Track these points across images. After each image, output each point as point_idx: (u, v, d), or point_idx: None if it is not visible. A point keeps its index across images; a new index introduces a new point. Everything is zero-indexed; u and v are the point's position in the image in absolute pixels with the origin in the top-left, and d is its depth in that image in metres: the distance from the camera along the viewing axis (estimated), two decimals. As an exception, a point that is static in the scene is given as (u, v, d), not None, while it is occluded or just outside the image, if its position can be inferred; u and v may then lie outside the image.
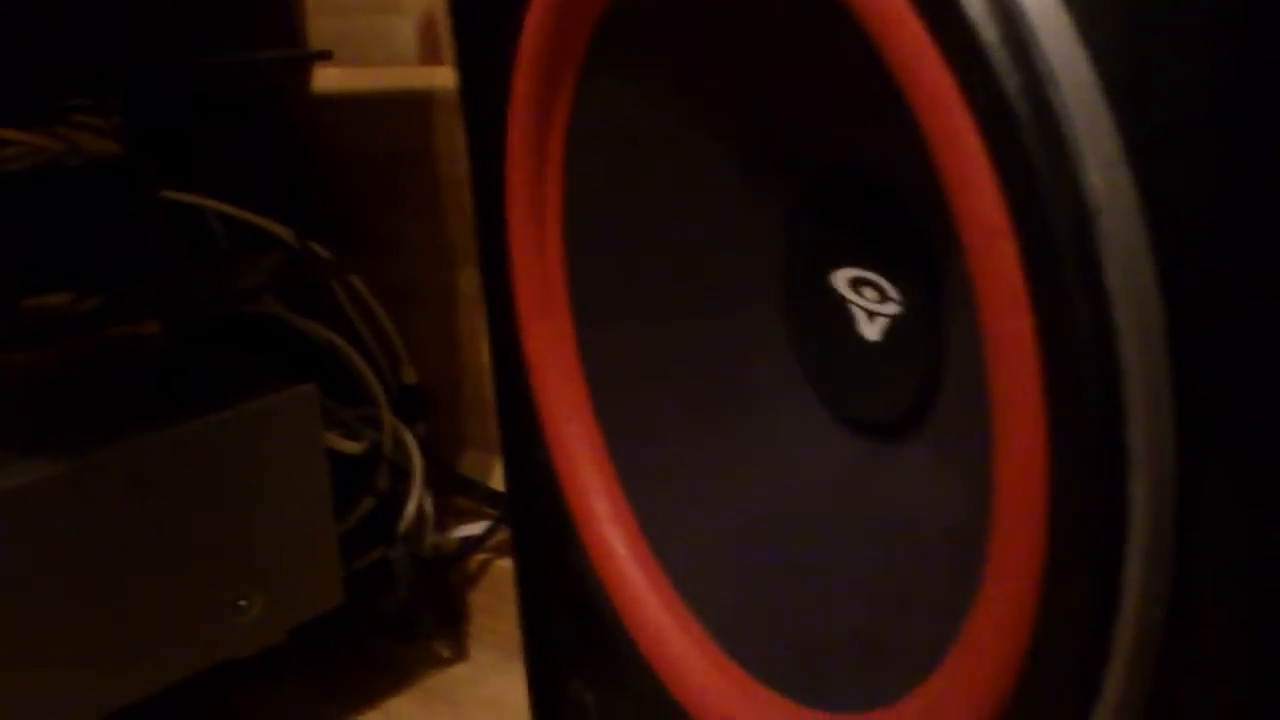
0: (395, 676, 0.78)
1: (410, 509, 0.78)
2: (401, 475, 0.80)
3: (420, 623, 0.81)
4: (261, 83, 0.79)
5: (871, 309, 0.36)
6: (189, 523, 0.64)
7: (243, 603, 0.67)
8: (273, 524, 0.68)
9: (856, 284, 0.36)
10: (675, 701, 0.40)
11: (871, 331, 0.36)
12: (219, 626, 0.66)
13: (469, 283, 0.79)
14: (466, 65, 0.45)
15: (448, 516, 0.83)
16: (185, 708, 0.68)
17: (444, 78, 0.75)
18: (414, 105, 0.77)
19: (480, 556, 0.82)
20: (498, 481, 0.81)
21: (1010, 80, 0.25)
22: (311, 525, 0.70)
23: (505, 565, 0.82)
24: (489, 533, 0.81)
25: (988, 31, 0.25)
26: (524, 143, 0.41)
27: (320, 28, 0.79)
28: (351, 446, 0.77)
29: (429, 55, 0.76)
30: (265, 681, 0.73)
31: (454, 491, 0.83)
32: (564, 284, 0.43)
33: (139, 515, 0.62)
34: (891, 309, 0.35)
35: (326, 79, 0.80)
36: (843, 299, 0.37)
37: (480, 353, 0.79)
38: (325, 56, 0.70)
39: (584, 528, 0.43)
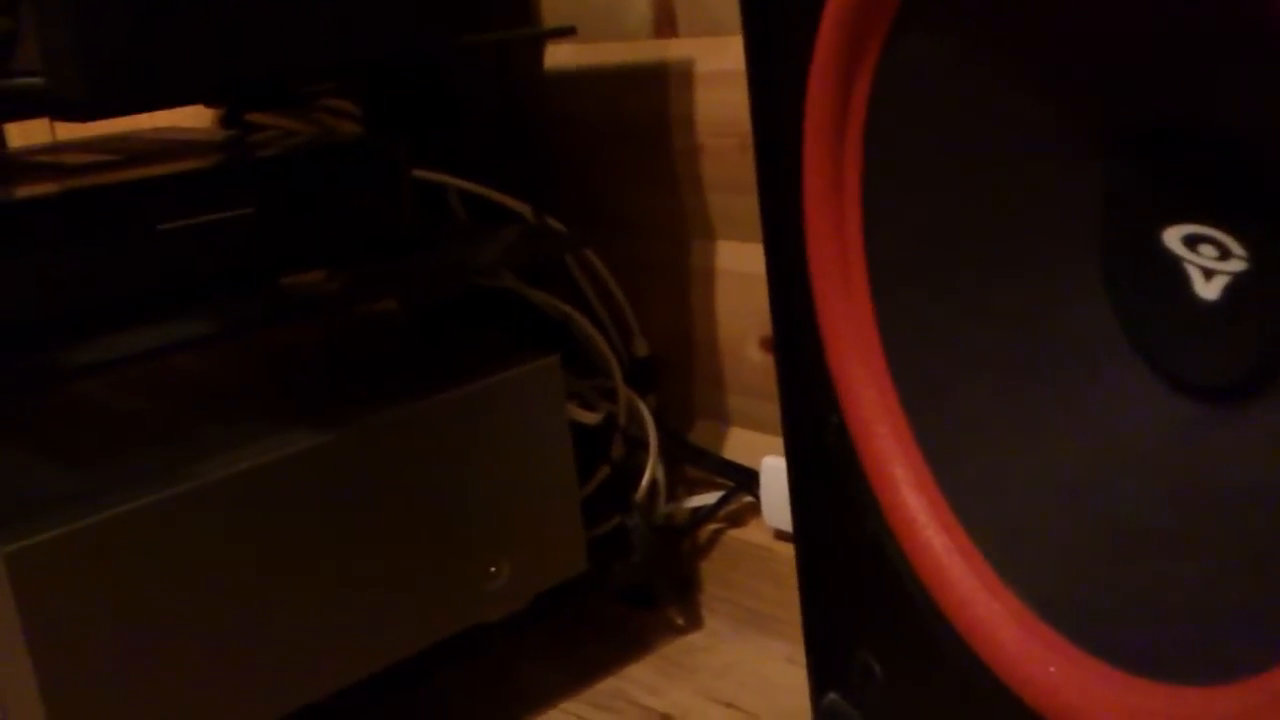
0: (631, 643, 0.79)
1: (646, 479, 0.79)
2: (634, 445, 0.81)
3: (656, 591, 0.82)
4: (498, 61, 0.81)
5: (1210, 267, 0.35)
6: (442, 491, 0.66)
7: (493, 569, 0.69)
8: (520, 493, 0.69)
9: (1192, 241, 0.35)
10: (986, 670, 0.40)
11: (1209, 291, 0.35)
12: (471, 592, 0.68)
13: (701, 255, 0.79)
14: (755, 33, 0.45)
15: (678, 487, 0.84)
16: (430, 672, 0.70)
17: (677, 50, 0.76)
18: (648, 79, 0.77)
19: (711, 526, 0.83)
20: (729, 451, 0.82)
21: None
22: (557, 494, 0.71)
23: (736, 535, 0.82)
24: (721, 503, 0.82)
25: None
26: (825, 106, 0.41)
27: (555, 4, 0.80)
28: (588, 417, 0.78)
29: (663, 28, 0.76)
30: (507, 648, 0.75)
31: (685, 461, 0.84)
32: (861, 247, 0.42)
33: (396, 484, 0.63)
34: (1235, 266, 0.34)
35: (560, 55, 0.81)
36: (1176, 257, 0.36)
37: (712, 324, 0.80)
38: (568, 33, 0.71)
39: (883, 494, 0.43)
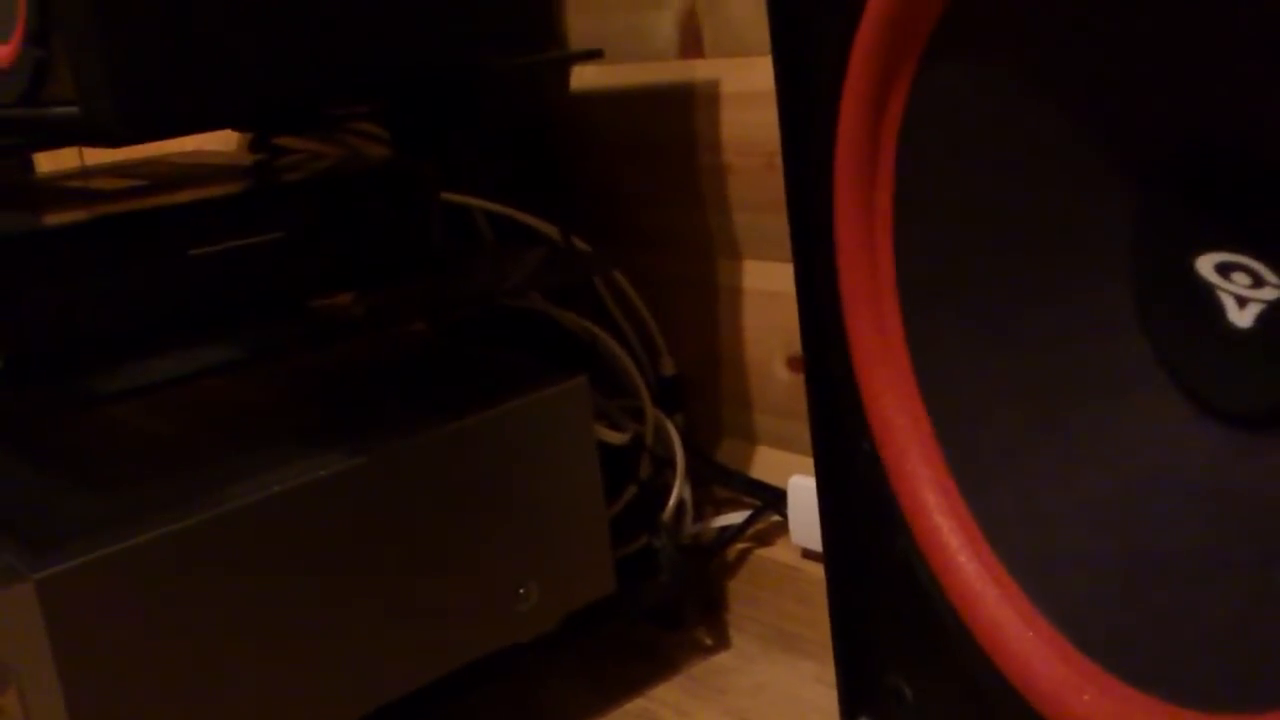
0: (660, 664, 0.79)
1: (673, 499, 0.79)
2: (661, 465, 0.81)
3: (683, 611, 0.82)
4: (525, 83, 0.81)
5: (1244, 295, 0.35)
6: (471, 513, 0.66)
7: (521, 590, 0.69)
8: (549, 514, 0.69)
9: (1225, 269, 0.35)
10: (1019, 698, 0.40)
11: (1243, 319, 0.35)
12: (499, 613, 0.68)
13: (727, 274, 0.79)
14: (784, 54, 0.45)
15: (705, 506, 0.84)
16: (459, 694, 0.70)
17: (704, 71, 0.76)
18: (674, 100, 0.77)
19: (739, 546, 0.83)
20: (756, 471, 0.82)
21: None
22: (585, 515, 0.71)
23: (764, 555, 0.82)
24: (748, 522, 0.81)
25: None
26: (857, 131, 0.41)
27: (580, 26, 0.80)
28: (616, 437, 0.78)
29: (689, 49, 0.77)
30: (534, 669, 0.75)
31: (712, 481, 0.84)
32: (893, 272, 0.42)
33: (424, 506, 0.64)
34: (1268, 294, 0.34)
35: (586, 76, 0.82)
36: (1209, 285, 0.36)
37: (739, 344, 0.80)
38: (596, 56, 0.72)
39: (915, 521, 0.43)
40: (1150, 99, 0.36)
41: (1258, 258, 0.34)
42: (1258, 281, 0.34)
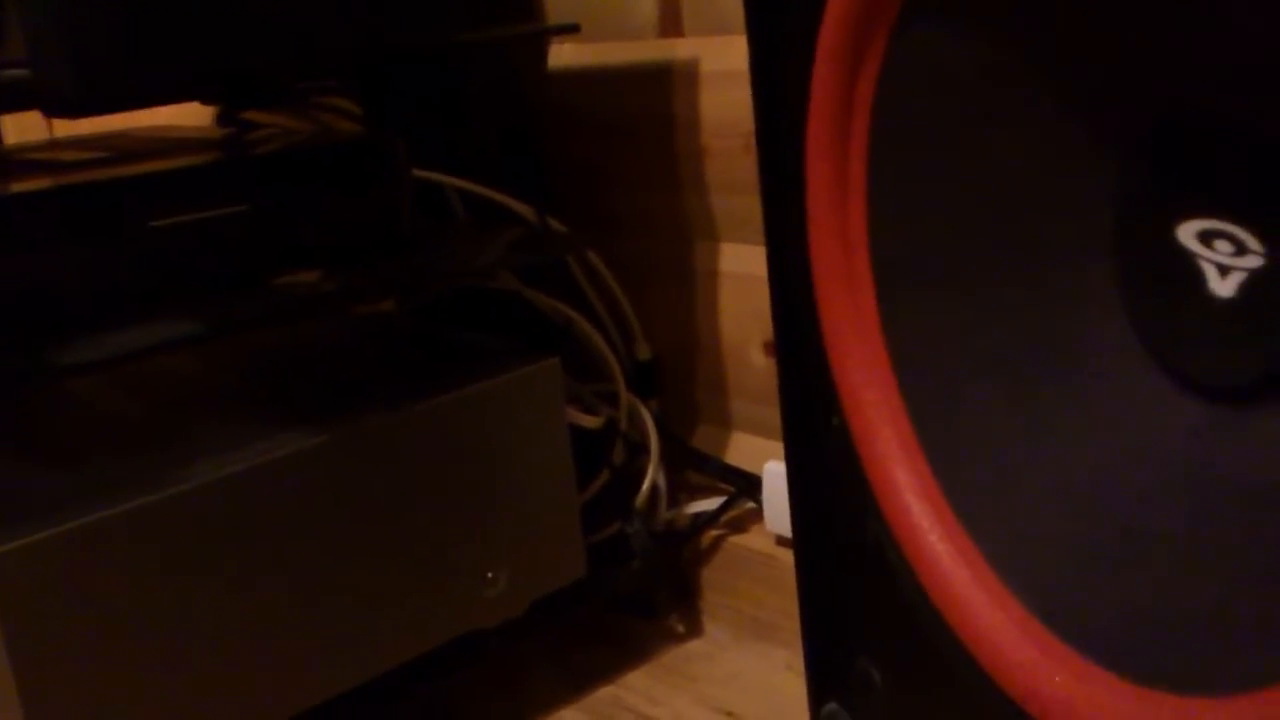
0: (631, 651, 0.78)
1: (646, 484, 0.78)
2: (635, 450, 0.80)
3: (656, 598, 0.81)
4: (500, 59, 0.80)
5: (1226, 263, 0.34)
6: (439, 496, 0.64)
7: (490, 575, 0.68)
8: (518, 497, 0.68)
9: (1207, 237, 0.34)
10: (990, 681, 0.39)
11: (1224, 288, 0.34)
12: (468, 598, 0.67)
13: (704, 257, 0.78)
14: (759, 29, 0.44)
15: (679, 492, 0.83)
16: (426, 678, 0.68)
17: (683, 50, 0.75)
18: (652, 79, 0.76)
19: (713, 533, 0.82)
20: (731, 457, 0.80)
21: None
22: (555, 499, 0.70)
23: (738, 542, 0.81)
24: (723, 509, 0.80)
25: None
26: (828, 102, 0.40)
27: (559, 3, 0.79)
28: (590, 421, 0.77)
29: (668, 28, 0.75)
30: (502, 656, 0.74)
31: (687, 467, 0.82)
32: (866, 247, 0.41)
33: (391, 488, 0.62)
34: (1251, 262, 0.33)
35: (563, 54, 0.80)
36: (1190, 253, 0.35)
37: (714, 328, 0.78)
38: (572, 30, 0.70)
39: (885, 499, 0.42)
40: (1131, 65, 0.35)
41: (1241, 224, 0.33)
42: (1240, 249, 0.33)
